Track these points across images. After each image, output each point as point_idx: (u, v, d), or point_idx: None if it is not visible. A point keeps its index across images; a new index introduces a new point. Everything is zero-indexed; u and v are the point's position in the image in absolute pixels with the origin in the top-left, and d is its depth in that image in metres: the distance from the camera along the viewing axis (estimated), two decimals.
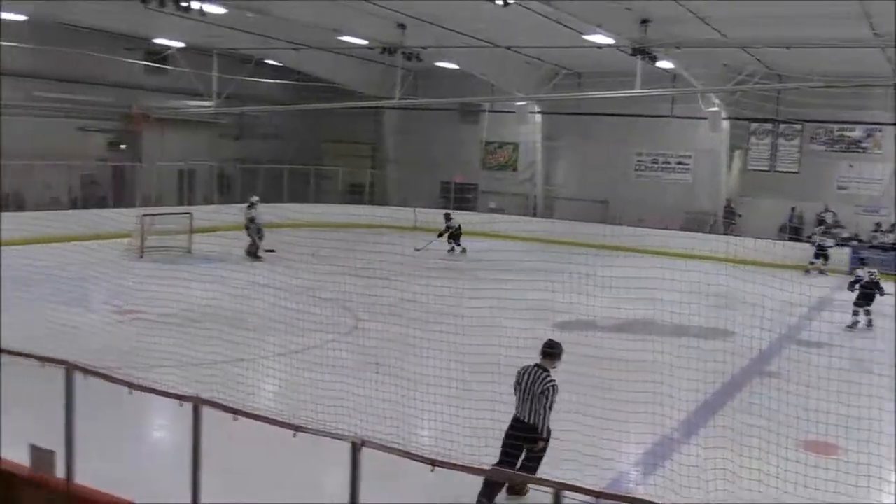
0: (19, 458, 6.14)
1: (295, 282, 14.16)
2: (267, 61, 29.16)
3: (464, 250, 25.51)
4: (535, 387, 7.36)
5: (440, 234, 25.51)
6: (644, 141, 31.16)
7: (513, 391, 7.57)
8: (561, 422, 7.65)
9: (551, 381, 7.39)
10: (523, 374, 7.52)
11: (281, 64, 29.93)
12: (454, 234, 25.70)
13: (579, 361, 8.78)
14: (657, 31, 19.56)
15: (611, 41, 20.59)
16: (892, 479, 8.31)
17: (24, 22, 22.00)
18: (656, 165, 31.43)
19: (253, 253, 22.48)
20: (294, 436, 5.15)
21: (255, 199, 23.64)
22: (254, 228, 22.71)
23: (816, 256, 25.19)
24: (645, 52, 19.88)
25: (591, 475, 7.09)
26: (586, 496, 4.44)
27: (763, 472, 7.30)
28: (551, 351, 7.64)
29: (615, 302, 11.68)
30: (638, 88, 19.73)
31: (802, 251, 25.35)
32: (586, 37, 20.37)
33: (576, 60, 27.82)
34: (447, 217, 26.27)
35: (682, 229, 28.26)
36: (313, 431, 5.18)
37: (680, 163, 30.99)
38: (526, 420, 7.36)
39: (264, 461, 7.87)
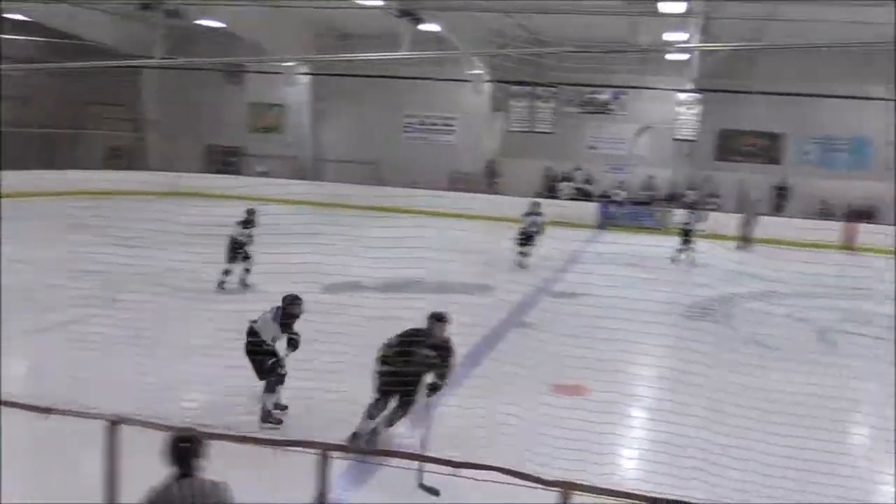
0: None
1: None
2: (7, 15, 26.72)
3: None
4: None
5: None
6: (412, 103, 31.70)
7: None
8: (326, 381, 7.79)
9: None
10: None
11: (28, 18, 27.49)
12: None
13: (349, 322, 8.96)
14: None
15: (379, 2, 20.78)
16: (633, 414, 9.23)
17: None
18: (424, 127, 32.13)
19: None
20: (46, 418, 4.96)
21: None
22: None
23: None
24: (411, 15, 20.29)
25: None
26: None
27: (518, 416, 7.76)
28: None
29: (382, 262, 11.93)
30: (403, 50, 20.03)
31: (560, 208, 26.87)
32: None
33: (344, 22, 27.83)
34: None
35: (448, 189, 29.10)
36: (66, 412, 5.01)
37: (446, 124, 31.87)
38: None
39: None
